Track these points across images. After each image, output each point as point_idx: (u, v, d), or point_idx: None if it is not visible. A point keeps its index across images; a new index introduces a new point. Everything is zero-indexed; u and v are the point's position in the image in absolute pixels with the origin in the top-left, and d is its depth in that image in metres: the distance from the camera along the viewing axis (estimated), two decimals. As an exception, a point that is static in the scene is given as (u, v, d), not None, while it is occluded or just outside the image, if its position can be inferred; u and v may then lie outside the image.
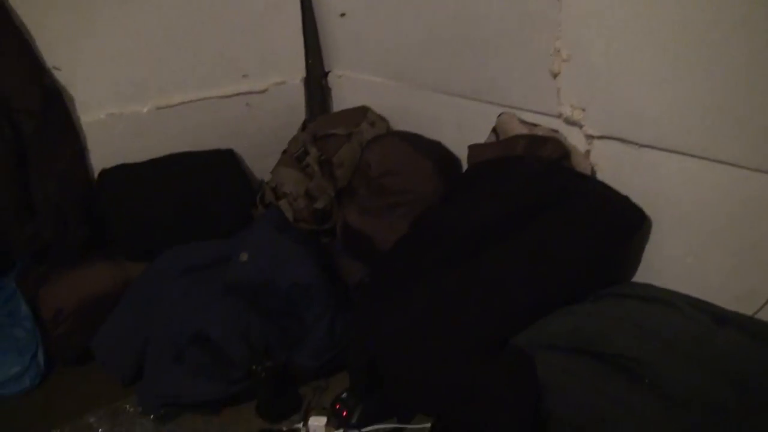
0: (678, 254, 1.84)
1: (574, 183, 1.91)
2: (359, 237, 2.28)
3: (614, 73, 1.82)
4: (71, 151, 2.29)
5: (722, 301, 1.71)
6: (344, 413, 1.78)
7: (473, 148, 2.17)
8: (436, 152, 2.38)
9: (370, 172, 2.36)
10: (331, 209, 2.45)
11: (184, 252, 2.20)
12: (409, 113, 2.56)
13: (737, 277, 1.74)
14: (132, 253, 2.27)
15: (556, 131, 2.03)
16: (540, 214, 1.84)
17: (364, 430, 1.77)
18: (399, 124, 2.63)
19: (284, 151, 2.60)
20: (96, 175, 2.38)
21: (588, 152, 1.98)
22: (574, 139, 2.00)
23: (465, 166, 2.24)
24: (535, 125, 2.08)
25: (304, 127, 2.68)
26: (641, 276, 1.92)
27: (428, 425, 1.71)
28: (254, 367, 1.84)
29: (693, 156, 1.72)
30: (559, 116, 2.01)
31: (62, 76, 2.25)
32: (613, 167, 1.94)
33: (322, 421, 1.73)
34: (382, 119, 2.64)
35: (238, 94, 2.64)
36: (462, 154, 2.27)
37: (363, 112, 2.62)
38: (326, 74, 2.86)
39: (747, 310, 1.68)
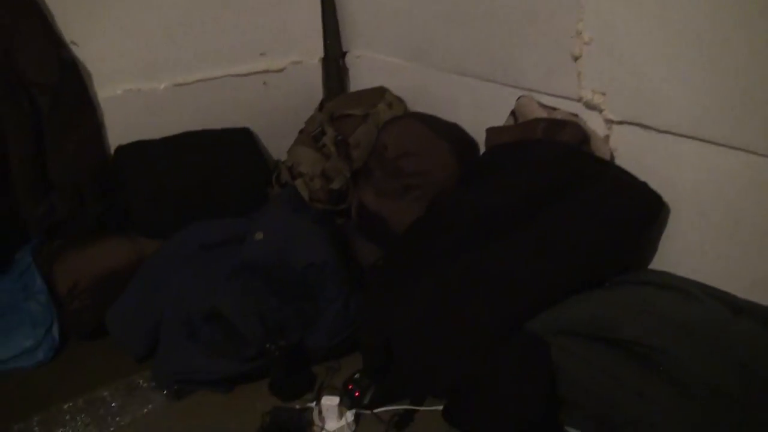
0: (695, 241, 1.82)
1: (592, 168, 1.90)
2: (374, 218, 2.27)
3: (636, 57, 1.80)
4: (88, 127, 2.29)
5: (739, 288, 1.71)
6: (357, 393, 1.78)
7: (491, 131, 2.15)
8: (453, 134, 2.36)
9: (386, 153, 2.34)
10: (346, 190, 2.45)
11: (199, 229, 2.20)
12: (426, 94, 2.54)
13: (755, 264, 1.73)
14: (147, 230, 2.27)
15: (575, 115, 2.01)
16: (558, 199, 1.83)
17: (376, 410, 1.78)
18: (416, 105, 2.61)
19: (301, 131, 2.59)
20: (112, 151, 2.38)
21: (607, 137, 1.96)
22: (594, 123, 1.98)
23: (482, 148, 2.23)
24: (554, 109, 2.06)
25: (321, 106, 2.67)
26: (658, 263, 1.91)
27: (440, 407, 1.72)
28: (268, 345, 1.85)
29: (713, 143, 1.70)
30: (579, 100, 1.99)
31: (80, 52, 2.25)
32: (633, 153, 1.92)
33: (334, 400, 1.73)
34: (400, 100, 2.62)
35: (255, 73, 2.63)
36: (480, 136, 2.25)
37: (380, 92, 2.60)
38: (344, 54, 2.85)
39: (763, 298, 1.67)
